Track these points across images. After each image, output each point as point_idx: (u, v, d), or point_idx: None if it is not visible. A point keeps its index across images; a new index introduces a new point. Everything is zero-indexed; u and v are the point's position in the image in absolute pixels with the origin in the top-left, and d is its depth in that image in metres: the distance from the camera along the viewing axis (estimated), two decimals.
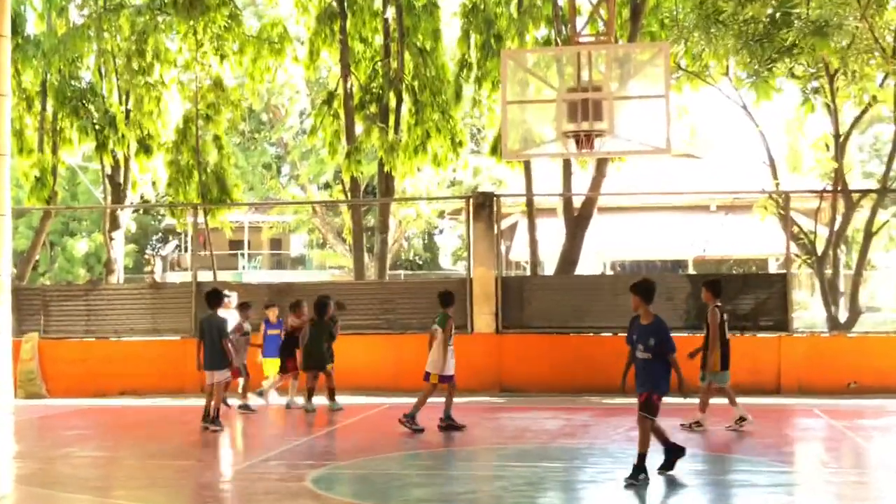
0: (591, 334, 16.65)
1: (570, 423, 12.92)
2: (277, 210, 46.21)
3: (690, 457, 9.99)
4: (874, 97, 17.81)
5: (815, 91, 18.14)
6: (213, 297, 12.93)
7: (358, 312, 16.65)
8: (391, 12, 21.00)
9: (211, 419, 12.35)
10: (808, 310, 27.40)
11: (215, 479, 9.75)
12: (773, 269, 29.91)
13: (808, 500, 8.59)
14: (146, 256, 50.98)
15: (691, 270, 31.31)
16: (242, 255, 48.71)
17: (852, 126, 19.11)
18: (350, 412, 13.78)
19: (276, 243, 52.04)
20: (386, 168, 20.69)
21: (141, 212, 43.83)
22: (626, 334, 9.04)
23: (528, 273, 23.56)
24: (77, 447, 11.68)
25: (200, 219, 20.83)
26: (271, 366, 15.07)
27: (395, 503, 8.60)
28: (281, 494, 8.64)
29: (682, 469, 9.44)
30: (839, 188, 18.08)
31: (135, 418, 14.50)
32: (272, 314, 15.25)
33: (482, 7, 20.67)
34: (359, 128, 21.04)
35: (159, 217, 49.14)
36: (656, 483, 8.84)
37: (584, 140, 12.41)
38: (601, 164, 19.40)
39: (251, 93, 23.19)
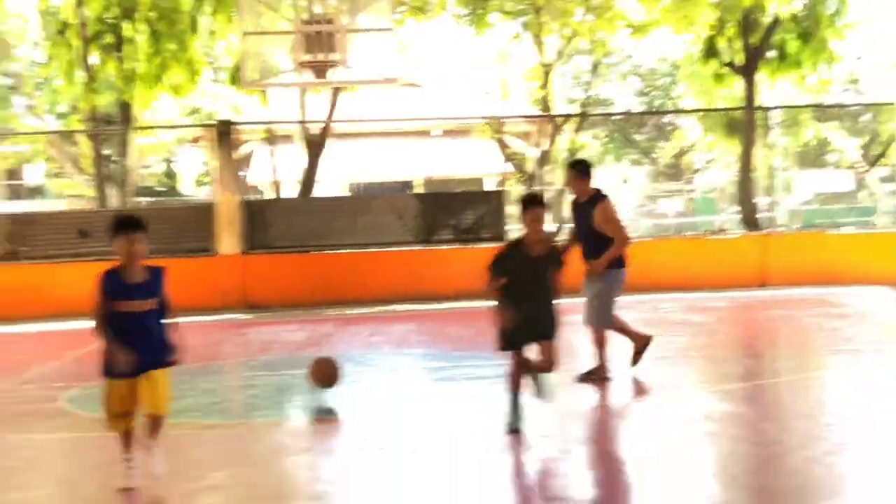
0: (331, 252, 16.93)
1: (315, 334, 13.15)
2: (12, 140, 42.99)
3: (422, 356, 10.55)
4: (574, 31, 18.87)
5: (525, 26, 19.00)
6: None
7: (102, 239, 16.02)
8: None
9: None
10: (519, 222, 28.92)
11: None
12: (489, 187, 31.26)
13: None
14: None
15: (419, 190, 32.19)
16: None
17: (556, 58, 20.21)
18: None
19: (12, 173, 48.50)
20: (124, 97, 19.83)
21: None
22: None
23: (271, 197, 23.42)
24: None
25: None
26: None
27: None
28: (36, 416, 8.38)
29: (420, 368, 9.92)
30: (546, 114, 19.15)
31: None
32: None
33: None
34: (95, 58, 19.97)
35: None
36: (396, 382, 9.23)
37: (320, 70, 12.49)
38: (335, 92, 19.52)
39: None
